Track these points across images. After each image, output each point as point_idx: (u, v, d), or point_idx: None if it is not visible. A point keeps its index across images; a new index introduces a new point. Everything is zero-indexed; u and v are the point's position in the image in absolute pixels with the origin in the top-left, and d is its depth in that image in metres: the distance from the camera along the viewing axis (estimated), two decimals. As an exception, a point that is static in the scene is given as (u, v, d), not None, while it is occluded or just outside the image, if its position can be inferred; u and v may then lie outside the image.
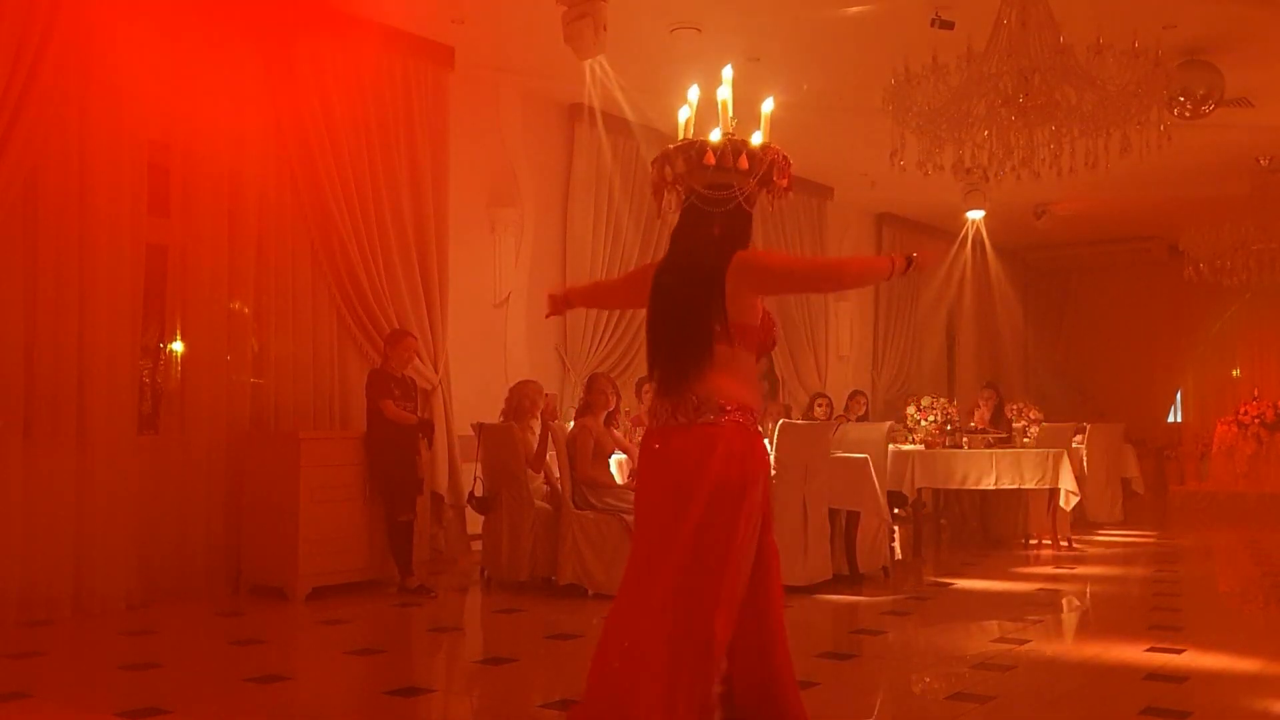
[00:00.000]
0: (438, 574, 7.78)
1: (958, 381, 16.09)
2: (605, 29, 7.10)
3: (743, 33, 8.21)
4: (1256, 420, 13.60)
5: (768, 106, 3.68)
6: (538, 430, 7.38)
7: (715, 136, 3.52)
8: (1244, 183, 11.69)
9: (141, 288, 6.65)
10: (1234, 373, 17.09)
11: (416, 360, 7.66)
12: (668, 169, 3.53)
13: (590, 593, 6.80)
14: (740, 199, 3.43)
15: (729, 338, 3.32)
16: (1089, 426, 11.24)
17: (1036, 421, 10.06)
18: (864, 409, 11.44)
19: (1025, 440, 9.93)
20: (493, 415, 7.62)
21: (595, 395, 7.25)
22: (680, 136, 3.62)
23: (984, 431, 10.03)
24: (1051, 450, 9.63)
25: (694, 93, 3.70)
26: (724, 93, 3.62)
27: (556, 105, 9.54)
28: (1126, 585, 7.86)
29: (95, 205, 6.38)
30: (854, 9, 7.82)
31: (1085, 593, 7.49)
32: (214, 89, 7.00)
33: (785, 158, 3.54)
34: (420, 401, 7.74)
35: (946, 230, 14.94)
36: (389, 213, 7.90)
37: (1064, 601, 7.13)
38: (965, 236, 14.05)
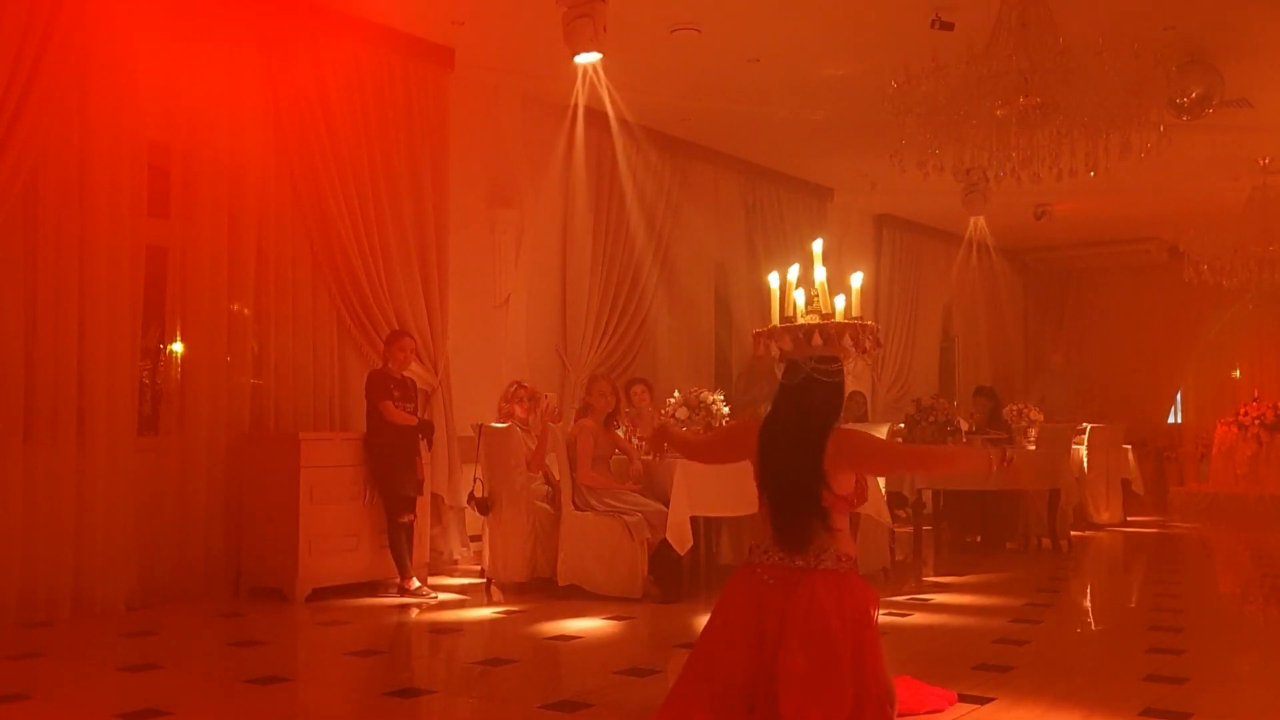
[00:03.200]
0: (438, 575, 7.77)
1: (959, 383, 16.09)
2: (605, 29, 7.11)
3: (743, 33, 8.21)
4: (1256, 421, 13.58)
5: (857, 281, 4.16)
6: (536, 431, 7.38)
7: (800, 297, 4.04)
8: (1244, 184, 11.69)
9: (141, 288, 6.65)
10: (1234, 373, 17.08)
11: (416, 361, 7.66)
12: (774, 346, 4.00)
13: (590, 593, 6.80)
14: (844, 371, 3.96)
15: (830, 506, 3.79)
16: (1089, 427, 11.24)
17: (1036, 423, 10.06)
18: (863, 410, 11.43)
19: (1026, 442, 9.92)
20: (493, 416, 7.62)
21: (595, 397, 7.25)
22: (777, 294, 4.10)
23: (984, 432, 10.03)
24: (1051, 451, 9.63)
25: (818, 245, 4.18)
26: (820, 274, 4.07)
27: (556, 106, 9.54)
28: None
29: (95, 205, 6.38)
30: (854, 9, 7.82)
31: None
32: (214, 90, 7.01)
33: (875, 327, 4.10)
34: (420, 402, 7.73)
35: (947, 232, 14.94)
36: (389, 213, 7.90)
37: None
38: (967, 238, 14.05)
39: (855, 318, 4.03)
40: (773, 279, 4.12)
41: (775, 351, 3.96)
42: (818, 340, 3.87)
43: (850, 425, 9.47)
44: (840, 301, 4.05)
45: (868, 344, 3.98)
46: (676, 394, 7.50)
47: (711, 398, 7.33)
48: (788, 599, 3.70)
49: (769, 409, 4.02)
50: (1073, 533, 9.77)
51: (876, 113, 7.51)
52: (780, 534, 3.82)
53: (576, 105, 8.60)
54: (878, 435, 8.64)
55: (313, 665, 5.49)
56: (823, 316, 3.98)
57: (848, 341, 3.90)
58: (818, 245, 4.11)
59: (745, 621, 3.77)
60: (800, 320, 4.01)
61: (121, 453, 6.45)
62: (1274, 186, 11.52)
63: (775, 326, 4.01)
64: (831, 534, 3.78)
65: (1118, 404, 15.63)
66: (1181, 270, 12.63)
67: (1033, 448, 9.64)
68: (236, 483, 7.05)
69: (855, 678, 3.60)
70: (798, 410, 3.87)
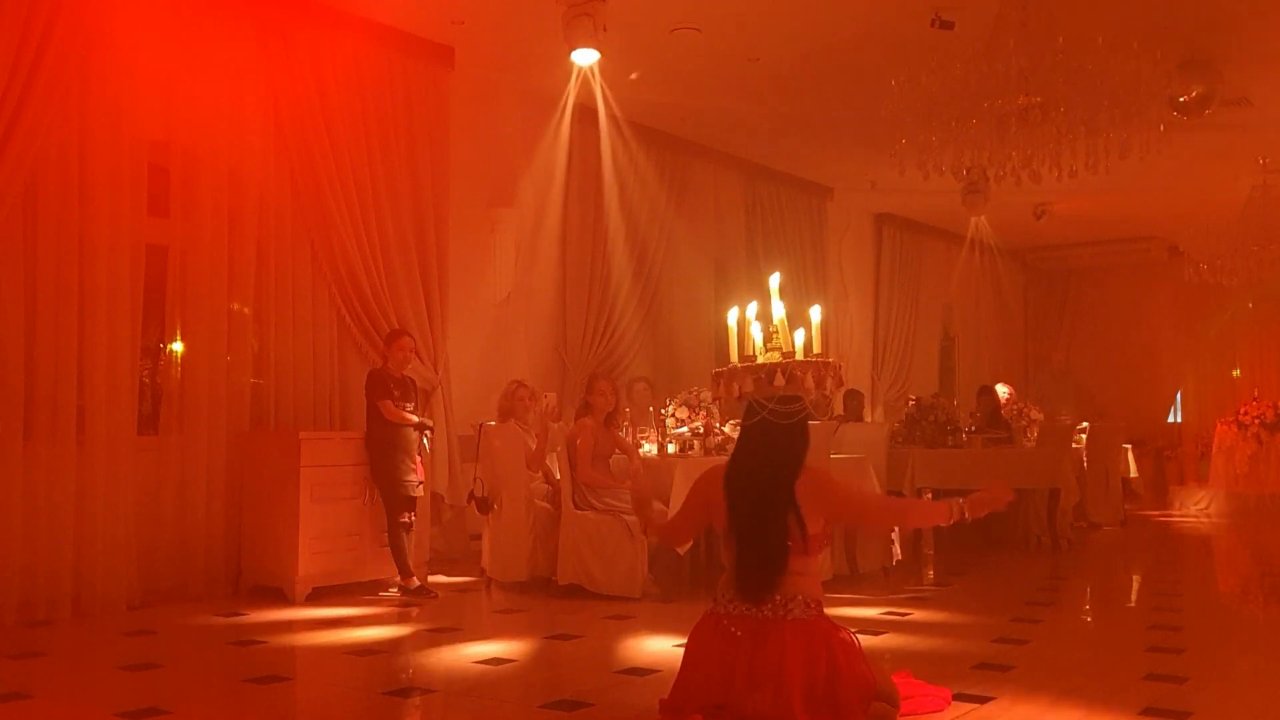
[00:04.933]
0: (438, 574, 7.77)
1: (959, 382, 16.09)
2: (605, 28, 7.11)
3: (742, 33, 8.21)
4: (1256, 421, 13.57)
5: (816, 315, 4.03)
6: (536, 430, 7.38)
7: (756, 332, 3.92)
8: (1244, 183, 11.69)
9: (141, 288, 6.66)
10: (1234, 373, 17.07)
11: (416, 360, 7.66)
12: (736, 387, 3.91)
13: (590, 593, 6.80)
14: (807, 410, 3.84)
15: (800, 549, 3.72)
16: (1089, 426, 11.24)
17: (1036, 422, 10.06)
18: (860, 409, 11.41)
19: (1026, 441, 9.93)
20: (493, 415, 7.62)
21: (595, 396, 7.24)
22: (735, 331, 3.99)
23: (985, 431, 10.03)
24: (1051, 450, 9.63)
25: (774, 280, 4.05)
26: (778, 310, 3.98)
27: (556, 105, 9.55)
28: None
29: (95, 205, 6.38)
30: (854, 9, 7.82)
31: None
32: (214, 89, 7.01)
33: (838, 364, 3.97)
34: (420, 401, 7.73)
35: (947, 231, 14.94)
36: (389, 213, 7.90)
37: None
38: (967, 237, 14.05)
39: (816, 355, 3.92)
40: (731, 316, 4.03)
41: (736, 393, 3.90)
42: (780, 381, 3.79)
43: (851, 423, 9.47)
44: (799, 336, 3.94)
45: (829, 383, 3.90)
46: (678, 395, 7.51)
47: (711, 398, 7.32)
48: (755, 651, 3.64)
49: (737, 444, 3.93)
50: (1073, 529, 9.76)
51: (877, 111, 7.51)
52: (742, 583, 3.75)
53: (574, 104, 8.62)
54: (878, 424, 8.69)
55: (313, 665, 5.49)
56: (783, 354, 3.89)
57: (809, 381, 3.83)
58: (774, 280, 4.00)
59: (710, 676, 3.71)
60: (761, 359, 3.91)
61: (121, 452, 6.46)
62: (1274, 186, 11.52)
63: (735, 366, 3.92)
64: (798, 577, 3.70)
65: (1118, 403, 15.63)
66: (1181, 269, 12.64)
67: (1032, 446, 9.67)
68: (237, 482, 7.05)
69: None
70: (761, 452, 3.79)
